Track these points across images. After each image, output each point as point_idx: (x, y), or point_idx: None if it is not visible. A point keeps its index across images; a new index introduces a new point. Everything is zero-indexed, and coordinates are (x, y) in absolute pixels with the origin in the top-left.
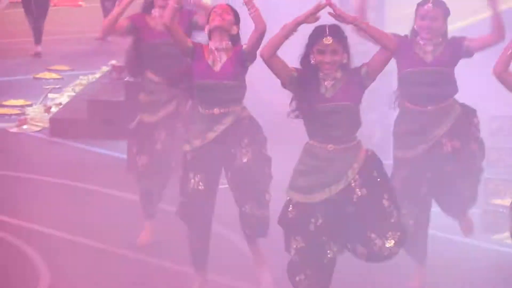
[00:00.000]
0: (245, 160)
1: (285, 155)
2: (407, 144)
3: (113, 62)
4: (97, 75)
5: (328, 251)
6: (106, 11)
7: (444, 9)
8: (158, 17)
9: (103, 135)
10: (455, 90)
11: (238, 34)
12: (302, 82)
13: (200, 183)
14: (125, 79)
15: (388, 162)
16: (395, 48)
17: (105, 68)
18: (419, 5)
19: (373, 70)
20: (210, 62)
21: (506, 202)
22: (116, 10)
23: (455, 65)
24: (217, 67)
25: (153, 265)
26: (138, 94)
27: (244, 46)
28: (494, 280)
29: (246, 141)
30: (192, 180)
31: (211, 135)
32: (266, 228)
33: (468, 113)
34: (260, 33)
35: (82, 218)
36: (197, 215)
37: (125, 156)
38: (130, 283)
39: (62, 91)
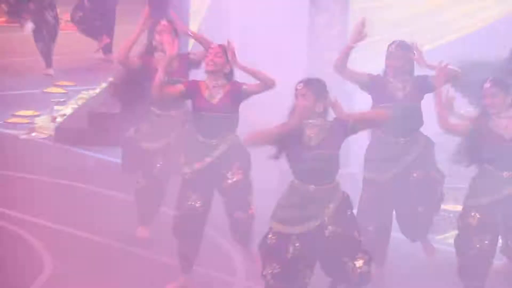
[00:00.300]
0: (235, 179)
1: None
2: (379, 169)
3: (111, 79)
4: (97, 90)
5: (304, 278)
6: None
7: (408, 51)
8: (161, 60)
9: (101, 142)
10: (422, 122)
11: (231, 70)
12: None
13: (198, 201)
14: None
15: (346, 171)
16: (388, 119)
17: (104, 84)
18: (388, 46)
19: (361, 127)
20: (207, 96)
21: (448, 207)
22: (134, 34)
23: (422, 99)
24: (215, 100)
25: (146, 257)
26: (140, 123)
27: (244, 87)
28: (437, 273)
29: (237, 164)
30: (191, 198)
31: (209, 160)
32: (250, 234)
33: (430, 145)
34: (268, 89)
35: (82, 214)
36: (191, 230)
37: (118, 160)
38: (125, 273)
39: (67, 104)
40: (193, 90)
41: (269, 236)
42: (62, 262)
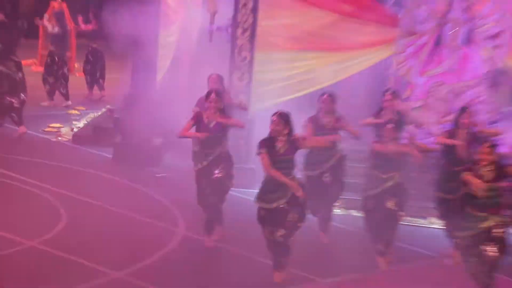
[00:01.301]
0: (220, 176)
1: None
2: (312, 169)
3: (108, 106)
4: (99, 113)
5: (278, 233)
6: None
7: (333, 98)
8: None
9: (100, 144)
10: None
11: (223, 109)
12: (269, 145)
13: (207, 186)
14: (114, 116)
15: (248, 166)
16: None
17: (103, 109)
18: (320, 95)
19: (302, 147)
20: (207, 123)
21: None
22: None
23: (340, 130)
24: (212, 125)
25: (142, 222)
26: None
27: (229, 122)
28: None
29: (222, 165)
30: (203, 184)
31: (206, 162)
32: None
33: (343, 158)
34: (238, 128)
35: (86, 186)
36: (207, 203)
37: (110, 156)
38: (118, 229)
39: (80, 120)
40: (199, 119)
41: (260, 211)
42: (73, 217)
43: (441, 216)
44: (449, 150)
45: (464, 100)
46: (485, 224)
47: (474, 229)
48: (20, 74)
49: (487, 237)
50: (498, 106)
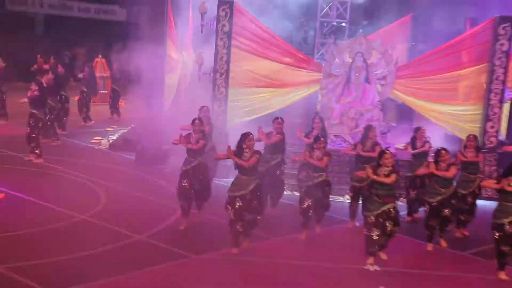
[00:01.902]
0: (201, 178)
1: None
2: (265, 160)
3: (132, 125)
4: (126, 130)
5: (244, 216)
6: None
7: (283, 121)
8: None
9: (127, 150)
10: (284, 150)
11: (204, 130)
12: (237, 155)
13: (186, 183)
14: (136, 131)
15: (226, 164)
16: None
17: (130, 127)
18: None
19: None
20: (192, 141)
21: None
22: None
23: (283, 140)
24: (194, 142)
25: (155, 201)
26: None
27: (192, 146)
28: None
29: (200, 170)
30: (183, 181)
31: (189, 167)
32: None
33: (281, 161)
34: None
35: (116, 178)
36: (184, 196)
37: (134, 158)
38: (141, 208)
39: (114, 134)
40: (188, 139)
41: (230, 198)
42: (109, 199)
43: (352, 198)
44: (359, 154)
45: (365, 118)
46: (385, 208)
47: (378, 210)
48: (65, 105)
49: (387, 216)
50: (387, 123)
